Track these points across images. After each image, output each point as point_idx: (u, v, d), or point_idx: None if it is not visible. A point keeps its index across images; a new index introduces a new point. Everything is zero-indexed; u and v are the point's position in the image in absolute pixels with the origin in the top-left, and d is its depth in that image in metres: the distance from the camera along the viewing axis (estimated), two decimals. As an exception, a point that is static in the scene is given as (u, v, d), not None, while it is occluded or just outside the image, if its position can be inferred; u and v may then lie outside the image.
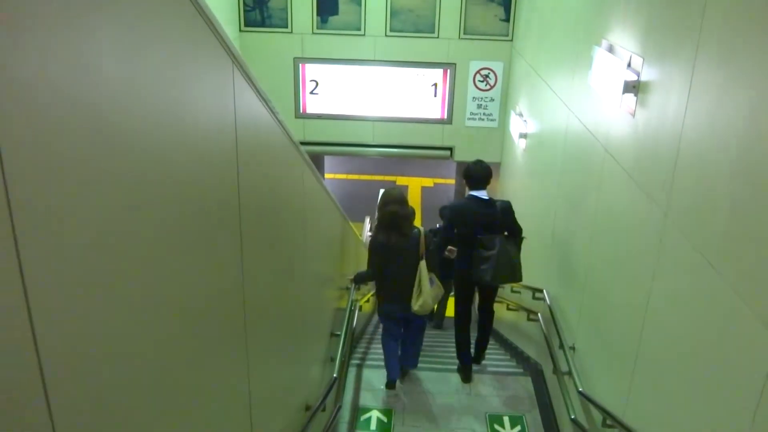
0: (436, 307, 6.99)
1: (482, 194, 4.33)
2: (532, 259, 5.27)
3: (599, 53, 3.22)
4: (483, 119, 7.64)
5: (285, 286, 2.15)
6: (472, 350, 4.65)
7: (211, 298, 1.38)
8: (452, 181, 15.47)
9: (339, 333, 3.72)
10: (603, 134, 3.27)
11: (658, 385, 2.39)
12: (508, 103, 7.36)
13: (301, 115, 7.79)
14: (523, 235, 4.37)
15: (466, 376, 4.50)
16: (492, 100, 7.54)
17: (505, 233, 4.24)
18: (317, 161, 14.57)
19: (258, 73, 6.29)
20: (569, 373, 3.60)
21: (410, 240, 4.07)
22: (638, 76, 2.73)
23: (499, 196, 7.84)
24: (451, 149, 7.87)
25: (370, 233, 10.77)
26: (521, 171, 6.25)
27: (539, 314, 4.46)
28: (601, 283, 3.22)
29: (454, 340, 4.55)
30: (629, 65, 2.84)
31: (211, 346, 1.38)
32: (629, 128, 2.83)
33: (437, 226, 6.46)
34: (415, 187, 16.17)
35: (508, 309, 6.02)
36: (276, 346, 2.06)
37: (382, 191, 11.23)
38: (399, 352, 4.36)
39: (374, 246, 4.15)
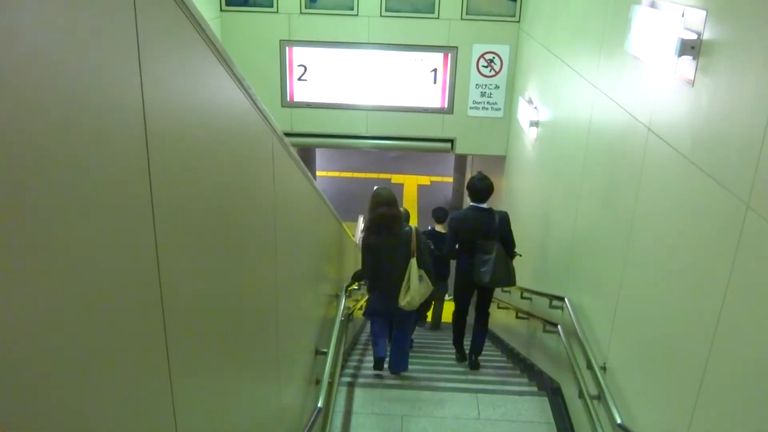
0: (431, 312, 7.11)
1: (482, 204, 4.76)
2: (547, 262, 4.75)
3: (641, 12, 2.70)
4: (487, 108, 7.11)
5: (239, 295, 1.61)
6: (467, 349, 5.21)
7: (113, 306, 0.86)
8: (450, 179, 14.98)
9: (325, 350, 3.18)
10: (645, 112, 2.75)
11: (733, 425, 1.87)
12: (515, 91, 6.84)
13: (288, 104, 7.24)
14: (518, 252, 4.84)
15: (462, 358, 5.26)
16: (497, 87, 7.02)
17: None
18: (307, 156, 14.05)
19: (240, 57, 5.69)
20: (599, 397, 3.08)
21: (401, 239, 4.25)
22: (699, 35, 2.21)
23: (505, 193, 7.35)
24: (451, 141, 7.34)
25: (362, 233, 10.30)
26: (531, 164, 5.73)
27: (559, 326, 3.94)
28: (644, 292, 2.70)
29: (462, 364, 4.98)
30: (684, 21, 2.32)
31: (103, 369, 0.85)
32: (687, 101, 2.31)
33: (429, 228, 6.66)
34: (410, 185, 15.68)
35: (518, 317, 5.50)
36: (224, 367, 1.52)
37: (376, 188, 10.83)
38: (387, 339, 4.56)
39: (365, 246, 4.35)
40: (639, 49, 2.73)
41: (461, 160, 14.08)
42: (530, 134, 5.61)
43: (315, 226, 3.08)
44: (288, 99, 7.22)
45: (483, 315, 5.07)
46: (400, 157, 17.35)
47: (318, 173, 15.39)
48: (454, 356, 5.46)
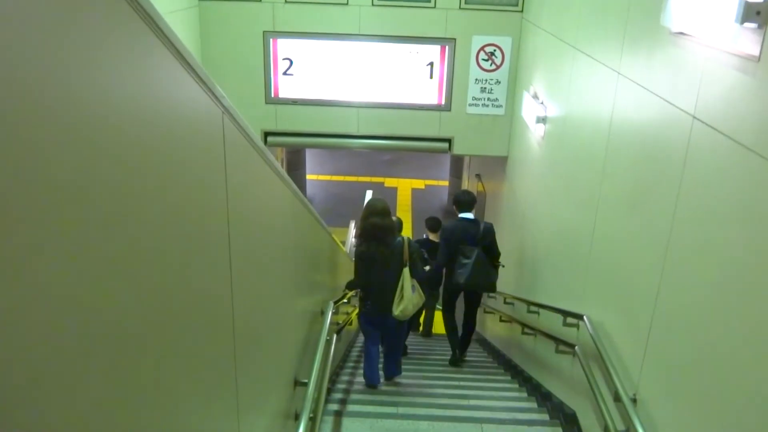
0: (423, 318, 7.25)
1: (469, 215, 5.36)
2: (558, 274, 4.33)
3: (685, -23, 2.29)
4: (487, 105, 6.70)
5: (167, 310, 1.17)
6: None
7: None
8: (446, 183, 14.59)
9: (306, 381, 2.73)
10: (689, 97, 2.33)
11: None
12: (518, 86, 6.44)
13: (272, 100, 6.80)
14: (502, 263, 5.48)
15: (455, 360, 5.84)
16: (498, 82, 6.61)
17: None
18: (297, 159, 13.63)
19: (221, 50, 5.26)
20: (630, 435, 2.65)
21: (394, 249, 4.40)
22: (766, -4, 1.80)
23: (507, 197, 6.94)
24: (449, 141, 6.92)
25: (354, 239, 9.86)
26: (538, 165, 5.31)
27: (576, 347, 3.51)
28: (688, 310, 2.27)
29: (465, 388, 4.91)
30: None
31: None
32: (750, 80, 1.89)
33: (424, 236, 6.97)
34: (404, 189, 15.26)
35: (524, 333, 5.07)
36: (147, 399, 1.08)
37: (368, 192, 10.37)
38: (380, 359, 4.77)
39: (358, 256, 4.48)
40: (681, 21, 2.31)
41: (457, 163, 13.68)
42: (536, 132, 5.20)
43: (292, 232, 2.63)
44: (272, 95, 6.79)
45: (469, 322, 5.79)
46: (393, 160, 16.97)
47: (308, 176, 14.99)
48: (451, 381, 5.24)
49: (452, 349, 5.86)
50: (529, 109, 5.39)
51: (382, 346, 4.87)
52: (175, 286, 1.20)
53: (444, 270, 5.49)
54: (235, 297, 1.59)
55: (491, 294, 5.85)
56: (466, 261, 5.09)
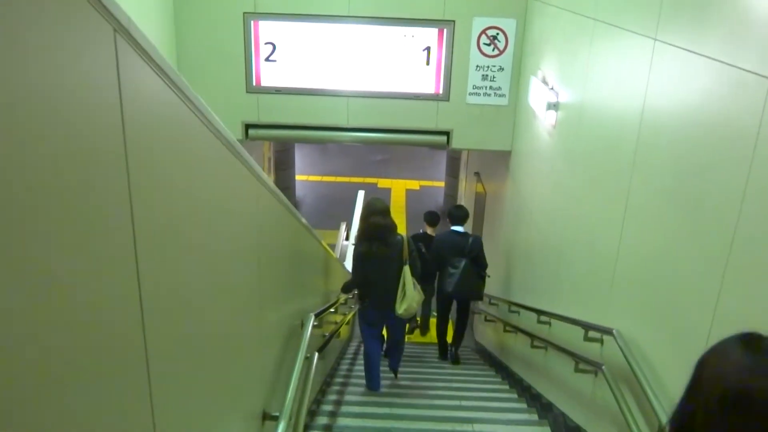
0: (419, 318, 7.14)
1: (460, 229, 5.93)
2: (576, 282, 3.84)
3: None
4: (489, 94, 6.22)
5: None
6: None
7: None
8: (441, 184, 14.12)
9: (276, 414, 2.23)
10: (761, 53, 1.84)
11: None
12: (524, 72, 5.96)
13: (254, 89, 6.30)
14: (489, 273, 6.06)
15: (442, 356, 6.60)
16: (501, 69, 6.13)
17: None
18: (286, 158, 13.10)
19: (197, 34, 4.62)
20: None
21: (394, 248, 4.52)
22: None
23: (510, 197, 6.46)
24: (447, 134, 6.43)
25: (345, 241, 9.41)
26: (548, 157, 4.83)
27: (603, 367, 3.01)
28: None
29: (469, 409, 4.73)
30: None
31: None
32: None
33: (421, 231, 7.18)
34: (398, 189, 14.79)
35: (534, 346, 4.58)
36: None
37: (360, 193, 9.88)
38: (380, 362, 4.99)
39: (358, 256, 4.57)
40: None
41: (454, 163, 13.19)
42: (547, 120, 4.72)
43: (260, 231, 2.12)
44: (254, 83, 6.28)
45: (460, 327, 6.39)
46: (387, 160, 16.51)
47: (298, 177, 14.50)
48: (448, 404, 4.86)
49: (441, 351, 6.71)
50: (537, 96, 4.91)
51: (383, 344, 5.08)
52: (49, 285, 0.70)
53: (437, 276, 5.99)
54: (147, 305, 1.09)
55: (490, 302, 6.17)
56: (453, 271, 5.65)
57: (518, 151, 6.14)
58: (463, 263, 5.62)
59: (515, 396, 5.05)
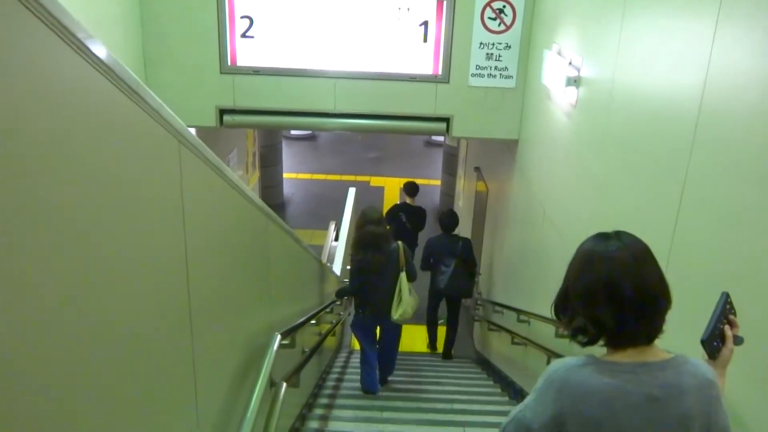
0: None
1: (451, 233, 6.42)
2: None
3: None
4: (494, 76, 5.59)
5: None
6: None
7: None
8: (437, 182, 13.49)
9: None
10: None
11: None
12: (533, 50, 5.33)
13: (228, 70, 5.64)
14: (479, 271, 7.01)
15: (432, 348, 7.27)
16: (507, 47, 5.50)
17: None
18: (272, 154, 12.42)
19: (165, 7, 3.65)
20: None
21: (389, 256, 4.67)
22: None
23: (515, 195, 5.84)
24: (447, 120, 5.79)
25: (335, 242, 8.77)
26: (566, 143, 4.20)
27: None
28: None
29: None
30: None
31: None
32: None
33: (400, 202, 7.71)
34: (392, 188, 14.14)
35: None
36: None
37: (351, 190, 9.47)
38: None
39: (355, 264, 4.72)
40: None
41: (451, 160, 12.55)
42: (565, 99, 4.09)
43: (177, 224, 1.46)
44: (228, 63, 5.63)
45: (452, 324, 6.88)
46: (380, 157, 15.91)
47: (286, 175, 13.85)
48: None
49: (429, 339, 7.35)
50: (553, 71, 4.27)
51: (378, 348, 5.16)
52: None
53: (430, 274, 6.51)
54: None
55: (494, 309, 6.20)
56: (445, 269, 6.25)
57: (527, 140, 5.51)
58: (454, 262, 6.21)
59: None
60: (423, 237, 7.18)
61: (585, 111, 3.80)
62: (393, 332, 5.02)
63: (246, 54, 5.63)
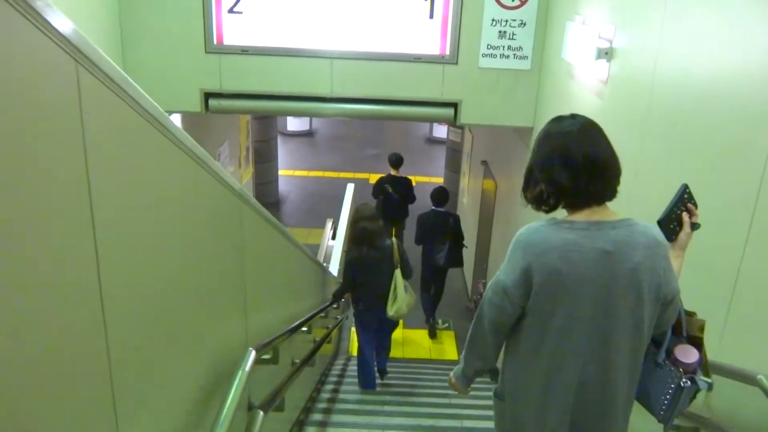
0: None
1: (440, 209, 7.17)
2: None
3: None
4: (507, 56, 5.10)
5: None
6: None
7: None
8: (440, 180, 13.00)
9: None
10: None
11: None
12: (551, 26, 4.85)
13: (215, 49, 5.16)
14: (466, 244, 7.38)
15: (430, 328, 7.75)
16: (522, 24, 5.02)
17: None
18: (267, 149, 11.89)
19: None
20: None
21: (384, 252, 4.77)
22: None
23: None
24: (455, 106, 5.30)
25: (332, 241, 8.34)
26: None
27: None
28: None
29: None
30: None
31: None
32: None
33: (387, 174, 8.34)
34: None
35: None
36: None
37: (349, 186, 9.18)
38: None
39: (349, 260, 4.83)
40: None
41: (454, 156, 12.04)
42: (595, 75, 3.61)
43: (76, 211, 0.96)
44: (214, 41, 5.14)
45: (439, 288, 7.46)
46: (380, 154, 15.44)
47: (282, 172, 13.38)
48: None
49: (425, 314, 7.64)
50: (579, 44, 3.79)
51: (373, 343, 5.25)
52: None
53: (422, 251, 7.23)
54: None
55: None
56: (441, 247, 6.98)
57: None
58: (448, 242, 6.96)
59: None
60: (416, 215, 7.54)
61: (619, 87, 3.32)
62: (388, 323, 5.11)
63: (233, 31, 5.14)
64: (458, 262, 7.24)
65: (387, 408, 4.58)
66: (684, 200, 1.75)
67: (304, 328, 3.23)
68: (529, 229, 1.66)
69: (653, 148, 2.85)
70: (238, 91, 5.30)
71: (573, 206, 1.64)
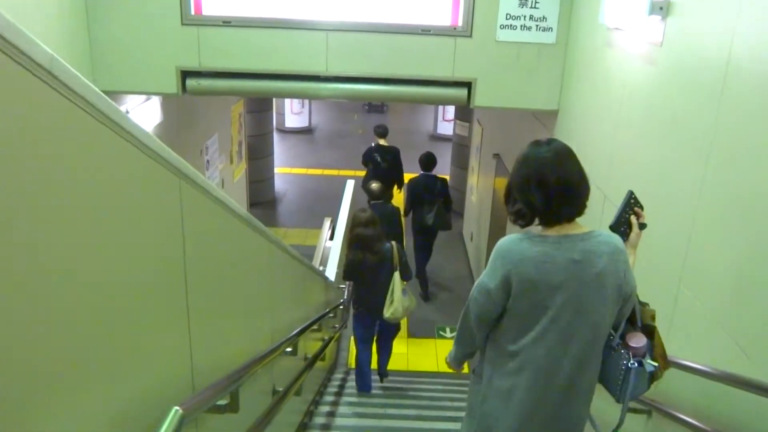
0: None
1: (429, 173, 7.70)
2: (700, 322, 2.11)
3: None
4: (530, 28, 4.48)
5: None
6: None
7: None
8: (446, 177, 12.32)
9: None
10: None
11: None
12: (582, -8, 4.24)
13: (192, 20, 4.55)
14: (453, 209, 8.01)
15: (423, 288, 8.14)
16: (547, -9, 4.40)
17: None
18: (262, 144, 11.24)
19: None
20: None
21: (383, 256, 4.86)
22: None
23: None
24: (469, 85, 4.68)
25: (329, 242, 7.82)
26: (644, 99, 3.09)
27: None
28: None
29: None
30: None
31: None
32: None
33: (373, 144, 8.86)
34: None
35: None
36: None
37: (349, 182, 8.60)
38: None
39: (348, 265, 4.96)
40: None
41: (461, 150, 11.40)
42: (646, 38, 2.99)
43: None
44: (192, 11, 4.53)
45: (429, 248, 8.04)
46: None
47: (279, 170, 12.77)
48: None
49: (422, 288, 8.07)
50: (623, 1, 3.16)
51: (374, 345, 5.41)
52: None
53: (411, 215, 7.72)
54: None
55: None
56: (431, 209, 7.46)
57: (571, 109, 4.40)
58: (436, 205, 7.47)
59: None
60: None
61: (681, 50, 2.70)
62: (390, 327, 5.26)
63: (214, 0, 4.53)
64: (447, 225, 7.77)
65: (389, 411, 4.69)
66: (631, 204, 2.02)
67: (288, 348, 2.61)
68: (507, 241, 1.93)
69: (727, 125, 2.23)
70: (220, 68, 4.69)
71: (546, 223, 1.89)
